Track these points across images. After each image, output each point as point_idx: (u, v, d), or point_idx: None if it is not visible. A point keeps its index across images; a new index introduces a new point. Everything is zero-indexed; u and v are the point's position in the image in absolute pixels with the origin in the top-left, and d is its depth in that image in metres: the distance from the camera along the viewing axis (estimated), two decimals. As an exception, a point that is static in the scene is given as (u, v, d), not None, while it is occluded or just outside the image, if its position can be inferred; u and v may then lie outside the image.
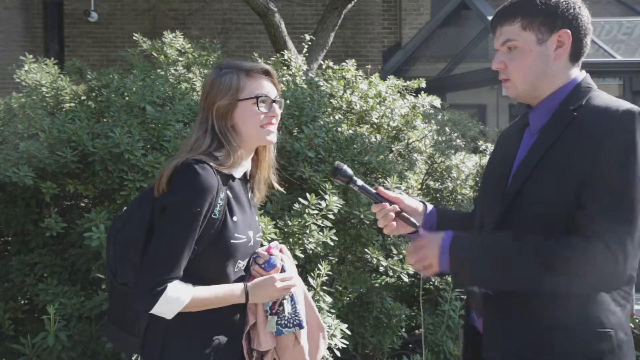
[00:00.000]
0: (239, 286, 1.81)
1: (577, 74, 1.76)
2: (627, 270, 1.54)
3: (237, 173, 1.85)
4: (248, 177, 1.93)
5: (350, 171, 1.83)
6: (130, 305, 1.77)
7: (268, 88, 1.86)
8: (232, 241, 1.78)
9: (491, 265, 1.61)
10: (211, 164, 1.74)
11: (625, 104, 1.62)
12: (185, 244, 1.71)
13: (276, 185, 2.00)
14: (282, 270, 1.89)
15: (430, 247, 1.68)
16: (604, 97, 1.69)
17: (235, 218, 1.79)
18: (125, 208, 1.93)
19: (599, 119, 1.60)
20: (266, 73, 1.86)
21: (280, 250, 1.95)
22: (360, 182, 1.83)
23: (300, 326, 1.87)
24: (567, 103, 1.70)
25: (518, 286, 1.60)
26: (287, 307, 1.88)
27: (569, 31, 1.69)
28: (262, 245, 1.97)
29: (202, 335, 1.79)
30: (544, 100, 1.73)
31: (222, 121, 1.81)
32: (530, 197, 1.64)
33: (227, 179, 1.80)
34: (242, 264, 1.85)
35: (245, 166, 1.88)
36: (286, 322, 1.86)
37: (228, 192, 1.79)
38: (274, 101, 1.85)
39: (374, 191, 1.83)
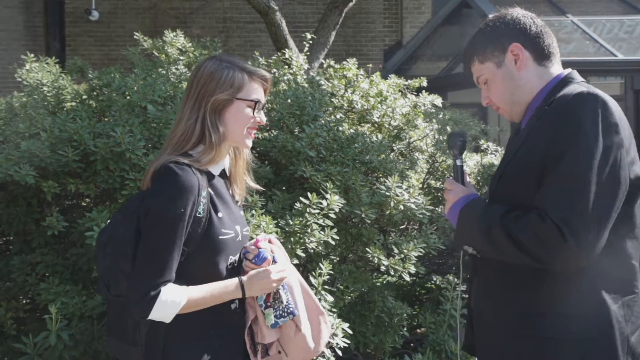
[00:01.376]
0: (234, 281, 1.81)
1: (559, 70, 1.83)
2: (582, 252, 1.56)
3: (216, 170, 1.85)
4: (228, 174, 1.94)
5: (465, 146, 1.99)
6: (128, 315, 1.75)
7: (262, 94, 1.88)
8: (220, 237, 1.78)
9: (479, 235, 1.74)
10: (189, 163, 1.75)
11: (580, 89, 1.67)
12: (174, 245, 1.70)
13: (252, 184, 2.00)
14: (274, 261, 1.88)
15: (453, 194, 1.90)
16: (574, 86, 1.74)
17: (220, 214, 1.79)
18: (109, 220, 1.92)
19: (554, 108, 1.67)
20: (265, 80, 1.89)
21: (269, 241, 1.94)
22: (460, 162, 1.97)
23: (293, 314, 1.86)
24: (545, 101, 1.77)
25: (499, 258, 1.72)
26: (284, 297, 1.87)
27: (517, 43, 1.80)
28: (251, 238, 1.97)
29: (202, 335, 1.79)
30: (529, 105, 1.82)
31: (215, 115, 1.81)
32: (502, 194, 1.76)
33: (207, 177, 1.80)
34: (234, 259, 1.85)
35: (223, 163, 1.89)
36: (281, 312, 1.86)
37: (210, 190, 1.79)
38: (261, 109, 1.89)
39: (461, 176, 1.96)
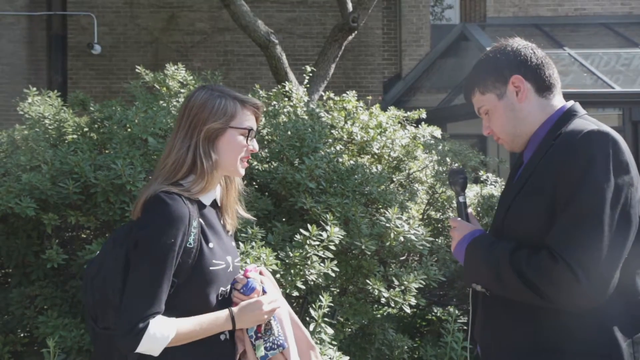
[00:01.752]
0: (224, 312, 1.78)
1: (561, 102, 1.83)
2: (595, 292, 1.55)
3: (207, 200, 1.83)
4: (219, 204, 1.92)
5: (466, 183, 2.00)
6: (115, 349, 1.71)
7: (254, 122, 1.89)
8: (210, 268, 1.75)
9: (487, 273, 1.74)
10: (179, 192, 1.73)
11: (590, 126, 1.67)
12: (163, 277, 1.67)
13: (243, 214, 1.99)
14: (263, 292, 1.86)
15: (458, 231, 1.89)
16: (581, 122, 1.74)
17: (211, 245, 1.77)
18: (98, 252, 1.90)
19: (563, 143, 1.66)
20: (257, 108, 1.89)
21: (260, 273, 1.92)
22: (463, 199, 1.97)
23: (283, 346, 1.83)
24: (550, 134, 1.76)
25: (508, 295, 1.71)
26: (275, 328, 1.85)
27: (518, 75, 1.79)
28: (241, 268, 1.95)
29: None
30: (531, 137, 1.82)
31: (208, 143, 1.80)
32: (510, 229, 1.74)
33: (198, 206, 1.79)
34: (224, 290, 1.82)
35: (215, 193, 1.87)
36: (271, 344, 1.83)
37: (201, 220, 1.77)
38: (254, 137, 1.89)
39: (465, 213, 1.96)
